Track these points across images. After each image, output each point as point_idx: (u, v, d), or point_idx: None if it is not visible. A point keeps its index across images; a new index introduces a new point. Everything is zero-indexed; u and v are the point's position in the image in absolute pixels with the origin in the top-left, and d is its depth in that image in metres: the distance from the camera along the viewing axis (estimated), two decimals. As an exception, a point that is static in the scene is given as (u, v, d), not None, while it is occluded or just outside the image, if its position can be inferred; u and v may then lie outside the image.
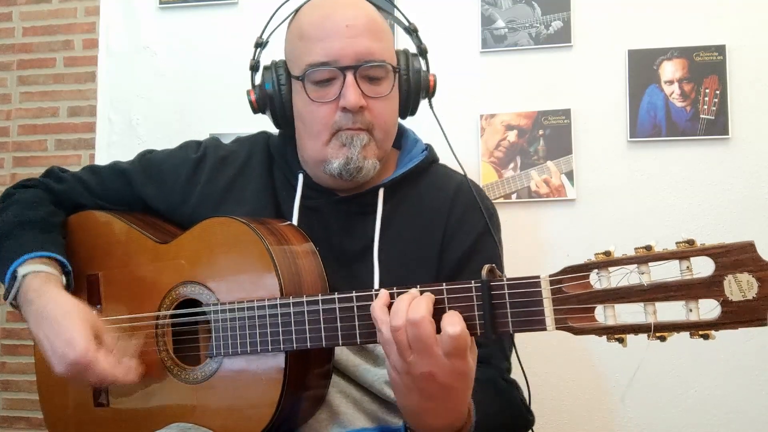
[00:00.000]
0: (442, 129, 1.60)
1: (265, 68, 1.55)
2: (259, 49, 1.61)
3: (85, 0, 2.96)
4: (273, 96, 1.52)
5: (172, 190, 1.62)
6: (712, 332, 0.95)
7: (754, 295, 0.92)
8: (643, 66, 2.42)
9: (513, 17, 2.52)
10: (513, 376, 1.50)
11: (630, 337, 1.01)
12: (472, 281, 1.13)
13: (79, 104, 2.97)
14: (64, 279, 1.48)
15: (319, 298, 1.25)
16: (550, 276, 1.07)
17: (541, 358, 2.24)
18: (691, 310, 0.96)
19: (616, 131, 2.44)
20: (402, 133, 1.66)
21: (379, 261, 1.47)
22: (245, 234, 1.36)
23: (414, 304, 1.11)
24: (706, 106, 2.37)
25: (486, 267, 1.12)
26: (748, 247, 0.93)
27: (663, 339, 0.98)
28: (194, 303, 1.42)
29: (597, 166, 2.44)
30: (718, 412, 2.32)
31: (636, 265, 0.99)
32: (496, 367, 1.45)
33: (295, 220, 1.50)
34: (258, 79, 1.57)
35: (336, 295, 1.24)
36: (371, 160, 1.46)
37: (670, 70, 2.40)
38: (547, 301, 1.06)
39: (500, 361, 1.47)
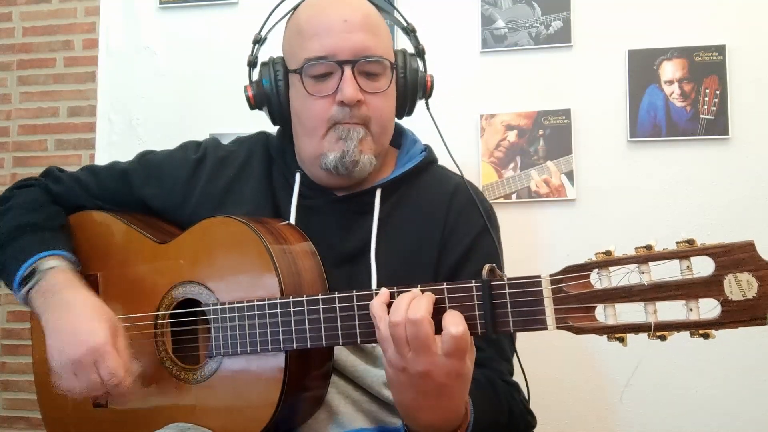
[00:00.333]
0: (438, 130, 1.60)
1: (263, 64, 1.55)
2: (257, 46, 1.61)
3: (85, 0, 2.96)
4: (270, 92, 1.53)
5: (171, 191, 1.62)
6: (713, 331, 0.95)
7: (754, 295, 0.92)
8: (643, 66, 2.42)
9: (513, 17, 2.52)
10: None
11: (630, 337, 1.01)
12: (473, 281, 1.13)
13: (79, 104, 2.97)
14: (80, 276, 1.49)
15: (319, 297, 1.26)
16: (551, 275, 1.07)
17: (540, 358, 2.24)
18: (691, 310, 0.96)
19: (616, 131, 2.44)
20: (401, 133, 1.66)
21: (377, 261, 1.47)
22: (245, 234, 1.37)
23: (414, 303, 1.11)
24: (706, 106, 2.37)
25: (487, 267, 1.12)
26: (748, 247, 0.93)
27: (663, 338, 0.98)
28: (193, 303, 1.42)
29: (597, 166, 2.44)
30: (718, 411, 2.32)
31: (636, 265, 0.99)
32: (494, 369, 1.44)
33: (292, 220, 1.50)
34: (256, 76, 1.57)
35: (336, 295, 1.24)
36: (367, 155, 1.46)
37: (670, 70, 2.40)
38: (547, 300, 1.07)
39: (498, 363, 1.46)
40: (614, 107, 2.44)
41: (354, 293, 1.23)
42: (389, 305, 1.15)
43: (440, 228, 1.51)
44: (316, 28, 1.45)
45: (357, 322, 1.22)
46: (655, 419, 2.36)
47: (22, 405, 2.97)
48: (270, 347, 1.30)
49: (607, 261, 1.01)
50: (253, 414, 1.31)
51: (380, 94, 1.46)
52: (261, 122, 1.76)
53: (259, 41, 1.61)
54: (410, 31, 1.61)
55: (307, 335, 1.26)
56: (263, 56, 1.59)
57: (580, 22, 2.49)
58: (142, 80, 2.81)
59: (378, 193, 1.53)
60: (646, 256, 0.99)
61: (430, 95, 1.60)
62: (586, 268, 1.04)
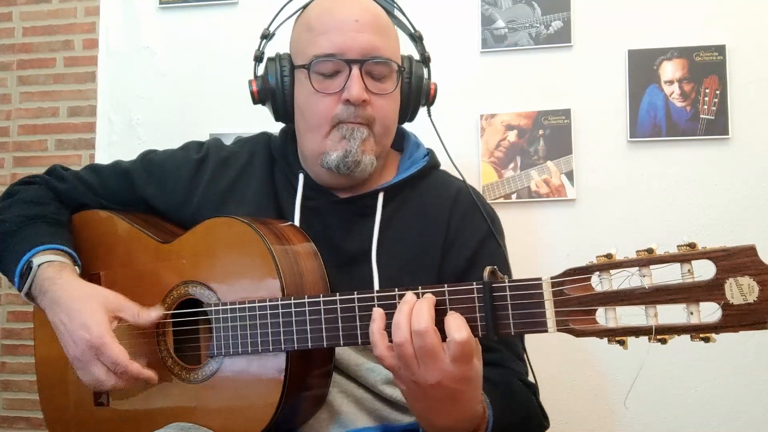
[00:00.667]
0: (440, 137, 1.61)
1: (269, 59, 1.56)
2: (264, 41, 1.61)
3: (85, 0, 2.96)
4: (275, 87, 1.53)
5: (173, 191, 1.63)
6: (713, 335, 0.95)
7: (755, 299, 0.92)
8: (643, 66, 2.42)
9: (513, 17, 2.52)
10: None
11: (631, 339, 1.01)
12: (474, 283, 1.13)
13: (79, 104, 2.97)
14: (72, 265, 1.49)
15: (321, 298, 1.26)
16: (552, 278, 1.08)
17: (541, 358, 2.25)
18: (692, 313, 0.96)
19: (616, 131, 2.44)
20: (404, 137, 1.66)
21: (378, 264, 1.47)
22: (247, 234, 1.37)
23: (416, 313, 1.11)
24: (706, 106, 2.37)
25: (488, 268, 1.13)
26: (749, 251, 0.93)
27: (664, 342, 0.98)
28: (195, 303, 1.43)
29: (597, 166, 2.44)
30: (718, 412, 2.32)
31: (637, 268, 1.00)
32: (511, 369, 1.45)
33: (296, 221, 1.50)
34: (261, 71, 1.58)
35: (338, 296, 1.25)
36: (369, 156, 1.46)
37: (670, 70, 2.40)
38: (548, 302, 1.07)
39: (515, 363, 1.48)
40: (614, 107, 2.44)
41: (355, 294, 1.23)
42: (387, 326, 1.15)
43: (443, 232, 1.52)
44: (327, 26, 1.46)
45: (358, 323, 1.23)
46: (656, 419, 2.36)
47: (22, 405, 2.97)
48: (271, 347, 1.30)
49: (608, 264, 1.02)
50: (254, 414, 1.32)
51: (385, 96, 1.47)
52: (261, 122, 1.77)
53: (266, 36, 1.61)
54: (417, 38, 1.61)
55: (308, 336, 1.27)
56: (270, 52, 1.59)
57: (580, 22, 2.49)
58: (142, 80, 2.80)
59: (380, 196, 1.53)
60: (647, 260, 0.99)
61: (432, 103, 1.61)
62: (587, 270, 1.04)
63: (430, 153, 1.63)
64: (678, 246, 0.97)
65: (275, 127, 1.70)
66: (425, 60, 1.60)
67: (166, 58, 2.79)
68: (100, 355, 1.33)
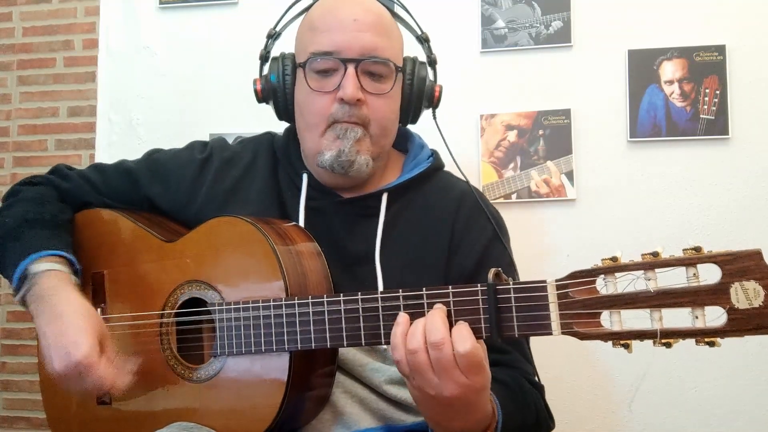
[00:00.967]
0: (444, 140, 1.60)
1: (273, 59, 1.56)
2: (270, 41, 1.61)
3: (85, 0, 2.95)
4: (277, 87, 1.54)
5: (177, 190, 1.63)
6: (718, 339, 0.95)
7: (761, 303, 0.92)
8: (643, 66, 2.43)
9: (513, 17, 2.52)
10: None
11: (635, 343, 1.02)
12: (478, 285, 1.13)
13: (79, 104, 2.96)
14: (75, 278, 1.48)
15: (324, 299, 1.26)
16: (557, 281, 1.08)
17: (543, 358, 2.25)
18: (697, 317, 0.96)
19: (616, 131, 2.44)
20: (408, 138, 1.66)
21: (381, 265, 1.47)
22: (251, 234, 1.37)
23: (430, 324, 1.12)
24: (706, 106, 2.37)
25: (492, 271, 1.13)
26: (755, 255, 0.93)
27: (668, 345, 0.98)
28: (199, 302, 1.43)
29: (597, 166, 2.44)
30: (719, 411, 2.33)
31: (642, 271, 1.00)
32: (521, 370, 1.46)
33: (301, 221, 1.51)
34: (266, 70, 1.58)
35: (341, 297, 1.25)
36: (364, 156, 1.46)
37: (670, 70, 2.41)
38: (553, 305, 1.07)
39: (524, 364, 1.48)
40: (614, 107, 2.44)
41: (359, 295, 1.23)
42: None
43: (448, 234, 1.52)
44: (326, 24, 1.46)
45: (362, 324, 1.23)
46: (656, 419, 2.36)
47: (22, 405, 2.97)
48: (274, 347, 1.30)
49: (613, 267, 1.02)
50: (257, 414, 1.32)
51: (382, 96, 1.47)
52: (261, 122, 1.77)
53: (272, 36, 1.61)
54: (423, 40, 1.61)
55: (312, 336, 1.27)
56: (277, 52, 1.60)
57: (580, 22, 2.49)
58: (142, 80, 2.80)
59: (384, 197, 1.53)
60: (652, 263, 0.99)
61: (437, 105, 1.60)
62: (592, 273, 1.04)
63: (434, 154, 1.63)
64: (683, 250, 0.97)
65: (276, 127, 1.70)
66: (431, 62, 1.60)
67: (166, 58, 2.79)
68: (85, 374, 1.32)
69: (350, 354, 1.44)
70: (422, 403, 1.19)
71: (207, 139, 1.76)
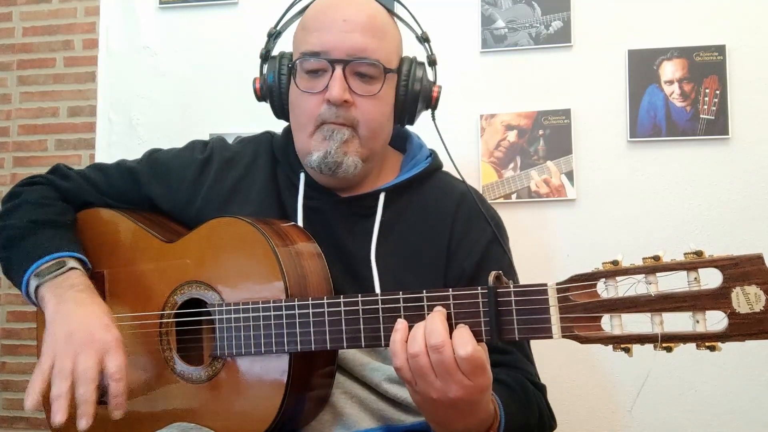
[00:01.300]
0: (443, 141, 1.59)
1: (272, 58, 1.57)
2: (270, 39, 1.61)
3: (85, 0, 2.95)
4: (273, 86, 1.54)
5: (178, 190, 1.63)
6: (719, 344, 0.95)
7: (762, 308, 0.92)
8: (643, 66, 2.42)
9: (513, 17, 2.52)
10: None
11: (636, 346, 1.02)
12: (479, 288, 1.13)
13: (79, 104, 2.96)
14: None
15: (325, 301, 1.26)
16: (557, 284, 1.07)
17: (542, 359, 2.25)
18: (698, 322, 0.96)
19: (616, 131, 2.44)
20: (406, 138, 1.66)
21: (377, 265, 1.47)
22: (251, 234, 1.37)
23: (429, 327, 1.12)
24: (706, 106, 2.37)
25: (493, 273, 1.13)
26: (757, 260, 0.93)
27: (669, 350, 0.98)
28: (199, 303, 1.43)
29: (597, 166, 2.44)
30: (718, 412, 2.33)
31: (644, 275, 1.00)
32: (523, 371, 1.46)
33: (299, 221, 1.51)
34: (266, 69, 1.58)
35: (341, 299, 1.25)
36: (352, 157, 1.46)
37: (670, 70, 2.41)
38: (553, 309, 1.07)
39: (525, 364, 1.49)
40: (614, 107, 2.44)
41: (359, 297, 1.23)
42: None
43: (446, 235, 1.52)
44: (317, 24, 1.47)
45: (362, 326, 1.23)
46: (656, 419, 2.36)
47: (22, 405, 2.95)
48: (274, 349, 1.30)
49: (614, 271, 1.02)
50: (257, 415, 1.32)
51: (371, 97, 1.46)
52: (261, 122, 1.77)
53: (273, 35, 1.61)
54: (423, 40, 1.60)
55: (312, 338, 1.27)
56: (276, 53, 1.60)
57: (580, 22, 2.49)
58: (142, 80, 2.80)
59: (381, 197, 1.53)
60: (653, 267, 0.99)
61: (435, 106, 1.59)
62: (593, 277, 1.04)
63: (432, 154, 1.63)
64: (685, 254, 0.97)
65: (275, 127, 1.70)
66: (431, 62, 1.59)
67: (166, 58, 2.79)
68: (108, 356, 1.31)
69: (350, 354, 1.44)
70: (424, 407, 1.19)
71: (207, 138, 1.76)
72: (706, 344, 0.95)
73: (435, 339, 1.10)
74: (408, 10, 1.61)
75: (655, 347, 0.99)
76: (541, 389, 1.48)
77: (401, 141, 1.66)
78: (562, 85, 2.48)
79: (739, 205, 2.36)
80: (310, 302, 1.27)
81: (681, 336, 0.97)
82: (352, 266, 1.49)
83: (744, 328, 0.94)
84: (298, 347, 1.28)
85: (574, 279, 1.06)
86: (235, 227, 1.41)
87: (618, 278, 1.02)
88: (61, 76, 2.99)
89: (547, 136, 2.46)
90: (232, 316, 1.35)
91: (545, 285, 1.09)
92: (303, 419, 1.41)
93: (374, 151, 1.52)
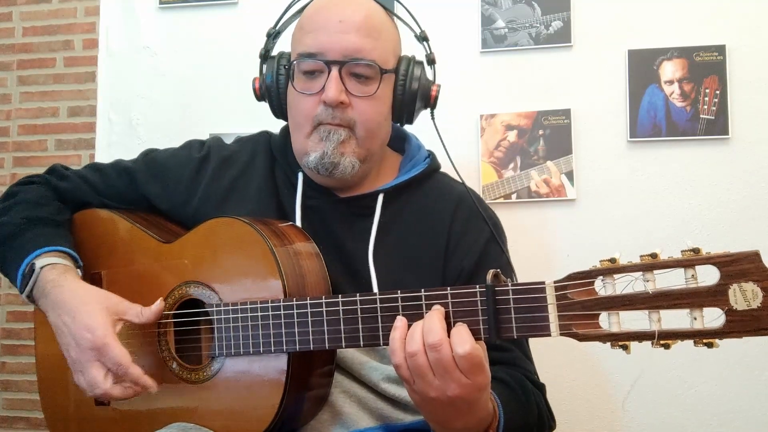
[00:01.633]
0: (442, 142, 1.59)
1: (270, 58, 1.57)
2: (270, 39, 1.61)
3: (85, 0, 2.96)
4: (271, 86, 1.55)
5: (175, 190, 1.63)
6: (716, 341, 0.96)
7: (759, 305, 0.92)
8: (643, 66, 2.42)
9: (513, 17, 2.52)
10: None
11: (634, 343, 1.02)
12: (477, 286, 1.13)
13: (79, 104, 2.96)
14: (74, 269, 1.49)
15: (323, 300, 1.26)
16: (555, 282, 1.08)
17: (541, 358, 2.25)
18: (695, 319, 0.96)
19: (616, 131, 2.44)
20: (405, 138, 1.66)
21: (375, 265, 1.47)
22: (249, 235, 1.37)
23: (427, 326, 1.12)
24: (706, 106, 2.37)
25: (491, 272, 1.13)
26: (754, 257, 0.93)
27: (667, 347, 0.98)
28: (197, 303, 1.43)
29: (597, 166, 2.44)
30: (718, 412, 2.33)
31: (641, 273, 1.00)
32: (522, 369, 1.46)
33: (298, 220, 1.51)
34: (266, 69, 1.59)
35: (340, 298, 1.25)
36: (349, 158, 1.46)
37: (670, 70, 2.40)
38: (551, 307, 1.07)
39: (524, 362, 1.49)
40: (614, 107, 2.44)
41: (357, 296, 1.24)
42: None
43: (444, 236, 1.52)
44: (313, 25, 1.47)
45: (360, 326, 1.23)
46: (655, 419, 2.36)
47: (22, 405, 2.97)
48: (273, 348, 1.31)
49: (611, 268, 1.02)
50: (255, 415, 1.32)
51: (368, 98, 1.46)
52: (261, 122, 1.77)
53: (270, 35, 1.61)
54: (422, 39, 1.60)
55: (310, 337, 1.27)
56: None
57: (580, 22, 2.48)
58: (142, 80, 2.80)
59: (380, 198, 1.53)
60: (650, 264, 0.99)
61: (434, 105, 1.58)
62: (591, 275, 1.04)
63: (431, 155, 1.63)
64: (682, 251, 0.97)
65: (275, 127, 1.70)
66: (430, 62, 1.59)
67: (166, 58, 2.79)
68: (102, 356, 1.33)
69: (348, 353, 1.44)
70: (423, 406, 1.19)
71: (208, 137, 1.76)
72: (704, 341, 0.96)
73: (432, 338, 1.10)
74: (407, 9, 1.61)
75: (652, 344, 0.99)
76: (541, 388, 1.48)
77: (400, 142, 1.66)
78: (562, 85, 2.48)
79: (739, 205, 2.36)
80: (308, 302, 1.27)
81: (678, 333, 0.97)
82: (350, 266, 1.49)
83: (741, 324, 0.94)
84: (297, 347, 1.28)
85: (572, 277, 1.06)
86: (233, 227, 1.41)
87: (616, 276, 1.02)
88: (61, 76, 2.99)
89: (547, 136, 2.46)
90: (231, 316, 1.35)
91: (543, 283, 1.09)
92: (302, 419, 1.41)
93: (372, 151, 1.52)
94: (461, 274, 1.49)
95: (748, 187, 2.35)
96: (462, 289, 1.15)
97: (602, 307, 1.02)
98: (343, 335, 1.25)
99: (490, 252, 1.53)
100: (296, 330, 1.28)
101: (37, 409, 1.60)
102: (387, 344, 1.17)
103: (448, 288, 1.16)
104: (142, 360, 1.43)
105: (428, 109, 1.59)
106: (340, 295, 1.26)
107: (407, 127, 1.65)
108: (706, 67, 2.38)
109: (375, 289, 1.45)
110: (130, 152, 1.80)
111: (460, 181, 1.61)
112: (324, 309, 1.26)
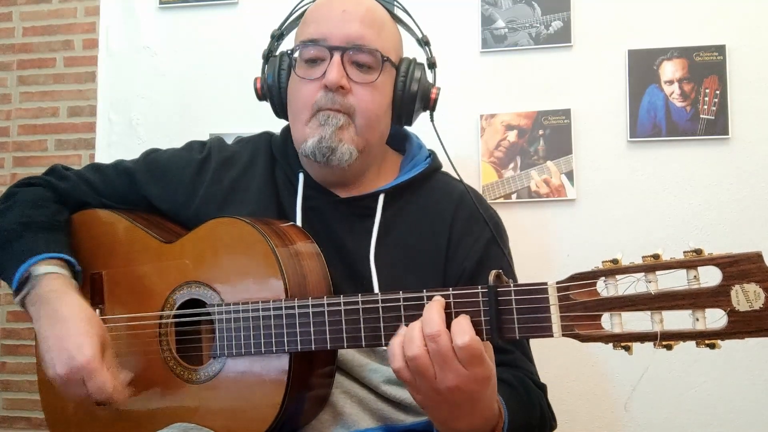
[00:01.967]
0: (442, 144, 1.59)
1: (272, 57, 1.58)
2: (273, 40, 1.61)
3: (85, 0, 2.95)
4: (272, 84, 1.55)
5: (175, 190, 1.63)
6: (719, 342, 0.95)
7: (761, 306, 0.92)
8: (643, 66, 2.42)
9: (513, 17, 2.52)
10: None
11: (636, 345, 1.02)
12: (479, 287, 1.13)
13: (79, 104, 2.96)
14: (75, 282, 1.49)
15: (324, 300, 1.26)
16: (558, 283, 1.07)
17: (541, 358, 2.25)
18: (697, 319, 0.96)
19: (616, 131, 2.44)
20: (406, 138, 1.66)
21: (376, 265, 1.47)
22: (250, 235, 1.37)
23: (426, 317, 1.12)
24: (706, 106, 2.37)
25: (493, 272, 1.13)
26: (756, 258, 0.93)
27: (669, 348, 0.98)
28: (198, 303, 1.43)
29: (597, 166, 2.44)
30: (718, 412, 2.33)
31: (643, 274, 1.00)
32: (524, 370, 1.47)
33: (298, 220, 1.51)
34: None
35: (341, 298, 1.25)
36: (347, 145, 1.46)
37: (670, 70, 2.40)
38: (554, 307, 1.07)
39: (526, 363, 1.49)
40: (614, 107, 2.44)
41: (359, 297, 1.23)
42: None
43: (446, 236, 1.52)
44: (316, 16, 1.49)
45: (362, 326, 1.23)
46: (655, 419, 2.36)
47: (22, 405, 2.97)
48: (274, 349, 1.30)
49: (613, 269, 1.02)
50: (257, 415, 1.32)
51: (368, 85, 1.47)
52: (261, 122, 1.77)
53: (274, 37, 1.61)
54: (424, 43, 1.61)
55: (312, 338, 1.27)
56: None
57: (580, 22, 2.49)
58: (142, 80, 2.80)
59: (381, 198, 1.53)
60: (653, 265, 0.99)
61: (434, 108, 1.59)
62: (593, 276, 1.04)
63: (432, 155, 1.63)
64: (684, 252, 0.97)
65: (275, 127, 1.70)
66: (431, 65, 1.59)
67: (166, 58, 2.79)
68: (88, 379, 1.33)
69: (349, 355, 1.44)
70: (426, 406, 1.19)
71: (206, 139, 1.76)
72: (706, 342, 0.95)
73: (431, 328, 1.10)
74: (408, 13, 1.61)
75: (654, 345, 0.99)
76: (542, 388, 1.48)
77: (400, 141, 1.66)
78: (562, 85, 2.48)
79: (739, 205, 2.36)
80: (309, 302, 1.27)
81: (681, 334, 0.97)
82: (351, 266, 1.49)
83: (743, 325, 0.94)
84: (298, 347, 1.28)
85: (574, 278, 1.06)
86: (234, 227, 1.41)
87: (618, 277, 1.02)
88: (61, 76, 2.99)
89: (547, 136, 2.46)
90: (232, 316, 1.35)
91: (545, 284, 1.08)
92: (303, 419, 1.41)
93: (370, 143, 1.52)
94: (463, 275, 1.49)
95: (748, 187, 2.36)
96: (464, 290, 1.14)
97: (604, 308, 1.02)
98: (344, 335, 1.24)
99: (491, 252, 1.53)
100: (298, 330, 1.28)
101: (38, 409, 1.60)
102: (388, 345, 1.17)
103: (450, 288, 1.15)
104: (143, 360, 1.43)
105: (427, 112, 1.59)
106: (341, 296, 1.25)
107: (408, 128, 1.65)
108: (706, 67, 2.39)
109: (376, 289, 1.45)
110: (130, 152, 1.80)
111: (460, 181, 1.61)
112: (326, 309, 1.25)
